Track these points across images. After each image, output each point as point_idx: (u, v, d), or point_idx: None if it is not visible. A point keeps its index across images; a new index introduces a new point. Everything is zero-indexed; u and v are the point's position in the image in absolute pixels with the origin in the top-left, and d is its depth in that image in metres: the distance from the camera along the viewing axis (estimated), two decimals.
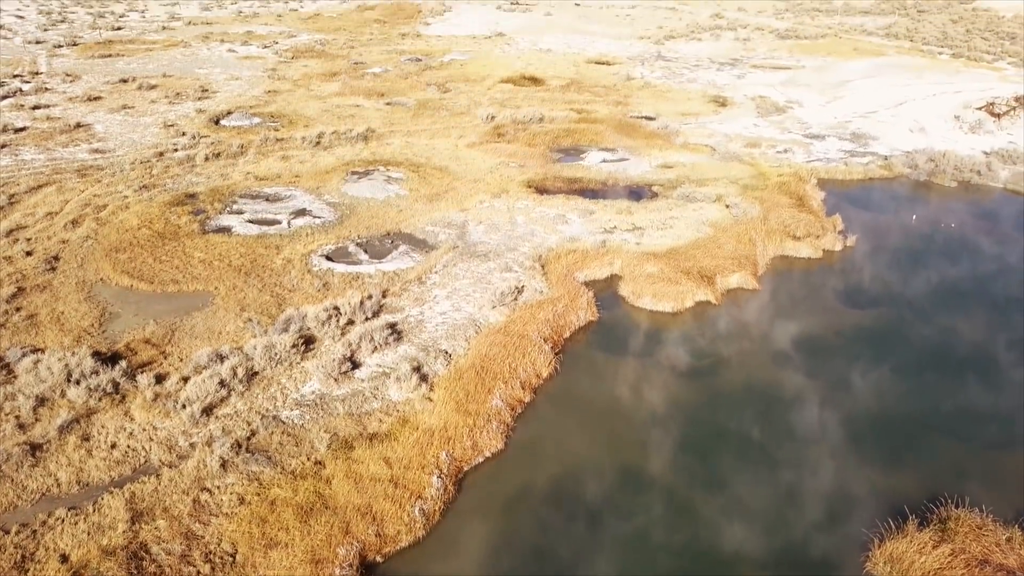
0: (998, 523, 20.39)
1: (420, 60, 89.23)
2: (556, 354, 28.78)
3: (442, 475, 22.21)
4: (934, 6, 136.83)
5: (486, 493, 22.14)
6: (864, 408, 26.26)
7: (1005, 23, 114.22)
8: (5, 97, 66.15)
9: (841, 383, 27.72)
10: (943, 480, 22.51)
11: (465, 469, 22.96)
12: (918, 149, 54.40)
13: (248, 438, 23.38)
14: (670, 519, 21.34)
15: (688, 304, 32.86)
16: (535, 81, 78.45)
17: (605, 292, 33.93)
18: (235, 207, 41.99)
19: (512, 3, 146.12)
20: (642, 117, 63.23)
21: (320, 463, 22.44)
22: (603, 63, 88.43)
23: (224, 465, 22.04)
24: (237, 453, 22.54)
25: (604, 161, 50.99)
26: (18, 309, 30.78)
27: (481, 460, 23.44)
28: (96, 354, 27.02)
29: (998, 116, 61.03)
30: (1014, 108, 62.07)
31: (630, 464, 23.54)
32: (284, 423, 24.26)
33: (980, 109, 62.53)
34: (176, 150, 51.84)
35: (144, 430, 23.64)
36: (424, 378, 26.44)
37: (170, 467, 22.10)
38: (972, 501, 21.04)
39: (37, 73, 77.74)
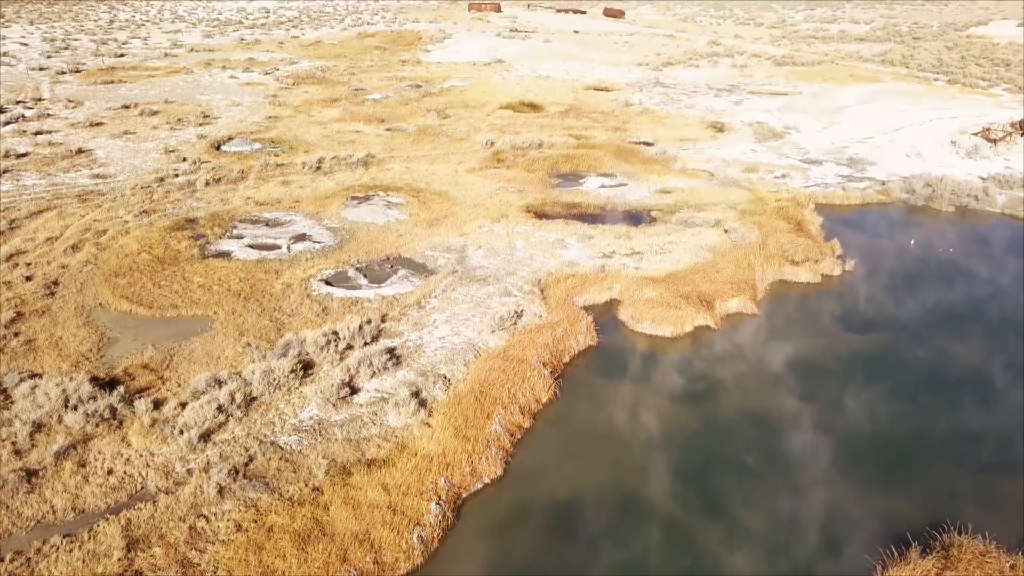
0: (1001, 550, 20.20)
1: (420, 86, 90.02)
2: (555, 379, 28.69)
3: (440, 501, 22.05)
4: (929, 33, 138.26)
5: (485, 520, 21.95)
6: (864, 433, 26.15)
7: (999, 50, 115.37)
8: (8, 123, 66.61)
9: (840, 408, 27.60)
10: (945, 505, 22.36)
11: (464, 495, 22.81)
12: (915, 174, 54.68)
13: (246, 464, 23.25)
14: (669, 546, 21.13)
15: (687, 329, 32.84)
16: (534, 107, 79.05)
17: (604, 317, 33.93)
18: (235, 232, 42.12)
19: (511, 30, 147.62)
20: (640, 143, 63.65)
21: (318, 489, 22.29)
22: (601, 89, 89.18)
23: (221, 491, 21.89)
24: (234, 479, 22.40)
25: (603, 186, 51.24)
26: (16, 334, 30.74)
27: (480, 486, 23.28)
28: (94, 379, 26.94)
29: (994, 141, 61.41)
30: (1010, 134, 62.49)
31: (630, 490, 23.36)
32: (282, 449, 24.14)
33: (976, 135, 62.93)
34: (177, 175, 52.10)
35: (141, 456, 23.51)
36: (423, 403, 26.34)
37: (167, 493, 21.94)
38: (975, 527, 20.87)
39: (40, 99, 78.34)
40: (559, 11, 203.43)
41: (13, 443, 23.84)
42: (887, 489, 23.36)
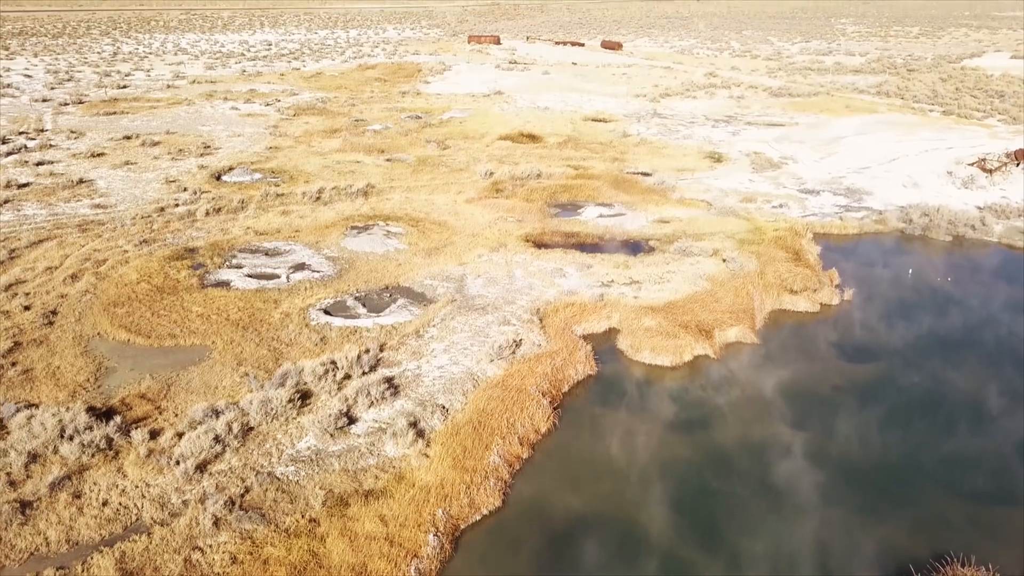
0: None
1: (420, 117, 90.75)
2: (555, 409, 28.58)
3: (438, 533, 21.83)
4: (923, 65, 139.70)
5: (483, 552, 21.73)
6: (864, 462, 26.00)
7: (993, 82, 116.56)
8: (10, 154, 67.02)
9: (840, 437, 27.46)
10: (947, 536, 22.17)
11: (462, 527, 22.60)
12: (912, 204, 54.91)
13: (242, 495, 23.07)
14: None
15: (687, 358, 32.78)
16: (533, 138, 79.61)
17: (603, 346, 33.88)
18: (234, 261, 42.18)
19: (510, 62, 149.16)
20: (638, 173, 64.01)
21: (315, 521, 22.11)
22: (600, 120, 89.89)
23: (217, 523, 21.69)
24: (230, 510, 22.21)
25: (601, 216, 51.45)
26: (14, 364, 30.66)
27: (479, 518, 23.07)
28: (91, 409, 26.84)
29: (990, 171, 61.77)
30: (1005, 164, 62.89)
31: (630, 522, 23.19)
32: (279, 479, 23.96)
33: (972, 165, 63.31)
34: (177, 205, 52.33)
35: (136, 487, 23.33)
36: (421, 433, 26.20)
37: (162, 525, 21.74)
38: (978, 559, 20.64)
39: (42, 130, 78.93)
40: (558, 43, 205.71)
41: (8, 474, 23.67)
42: (888, 519, 23.18)
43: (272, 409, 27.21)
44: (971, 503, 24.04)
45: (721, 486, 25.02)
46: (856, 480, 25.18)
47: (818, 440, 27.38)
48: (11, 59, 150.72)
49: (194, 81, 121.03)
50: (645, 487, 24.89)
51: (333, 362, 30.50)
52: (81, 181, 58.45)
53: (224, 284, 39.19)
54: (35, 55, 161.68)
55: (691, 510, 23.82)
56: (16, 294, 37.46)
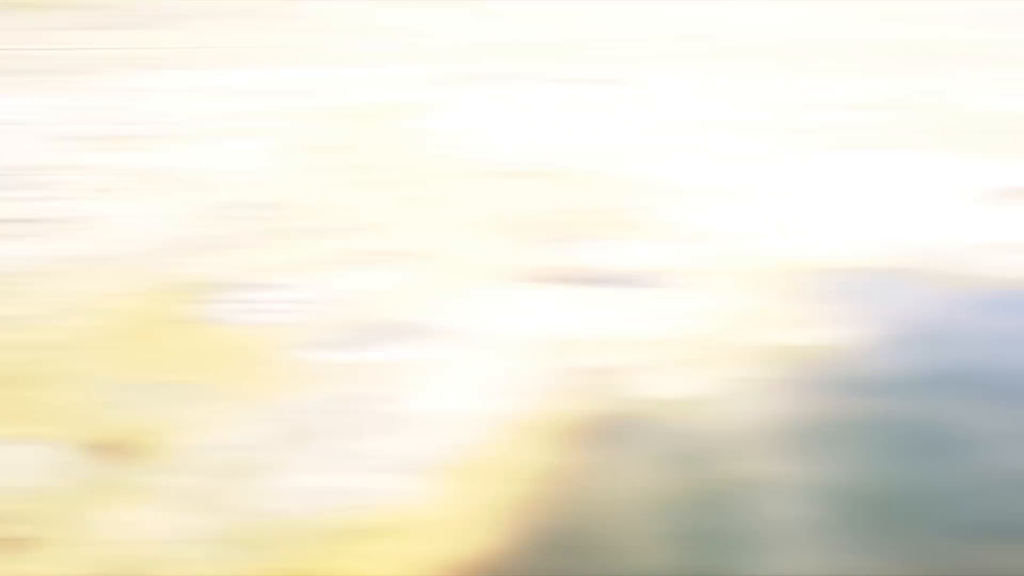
0: None
1: (420, 153, 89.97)
2: (557, 444, 27.98)
3: (439, 573, 21.04)
4: (924, 101, 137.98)
5: None
6: (874, 503, 25.45)
7: (1000, 115, 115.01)
8: (13, 189, 66.69)
9: (851, 477, 26.81)
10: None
11: (463, 565, 21.83)
12: (917, 237, 53.64)
13: (236, 531, 22.47)
14: None
15: (688, 392, 31.95)
16: (532, 175, 78.98)
17: (604, 380, 33.23)
18: (235, 297, 41.90)
19: (510, 103, 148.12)
20: (637, 208, 63.43)
21: (311, 559, 21.40)
22: (598, 157, 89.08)
23: (211, 561, 21.10)
24: (225, 547, 21.59)
25: (598, 250, 50.94)
26: (9, 399, 30.27)
27: (479, 556, 22.31)
28: (86, 445, 26.43)
29: (994, 206, 60.85)
30: (1009, 199, 62.12)
31: (635, 561, 22.55)
32: (275, 516, 23.27)
33: (976, 199, 62.39)
34: (179, 240, 51.95)
35: (131, 524, 22.74)
36: (421, 471, 25.55)
37: (156, 563, 21.09)
38: None
39: (46, 167, 78.55)
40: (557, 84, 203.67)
41: None
42: (896, 554, 22.59)
43: (269, 445, 26.73)
44: (976, 542, 23.51)
45: (726, 523, 24.37)
46: (861, 515, 24.67)
47: (827, 479, 26.73)
48: (15, 96, 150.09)
49: (198, 117, 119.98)
50: (649, 524, 24.22)
51: (331, 397, 30.07)
52: (84, 216, 58.10)
53: (224, 320, 38.85)
54: (40, 91, 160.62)
55: (696, 547, 23.19)
56: (13, 329, 37.14)
